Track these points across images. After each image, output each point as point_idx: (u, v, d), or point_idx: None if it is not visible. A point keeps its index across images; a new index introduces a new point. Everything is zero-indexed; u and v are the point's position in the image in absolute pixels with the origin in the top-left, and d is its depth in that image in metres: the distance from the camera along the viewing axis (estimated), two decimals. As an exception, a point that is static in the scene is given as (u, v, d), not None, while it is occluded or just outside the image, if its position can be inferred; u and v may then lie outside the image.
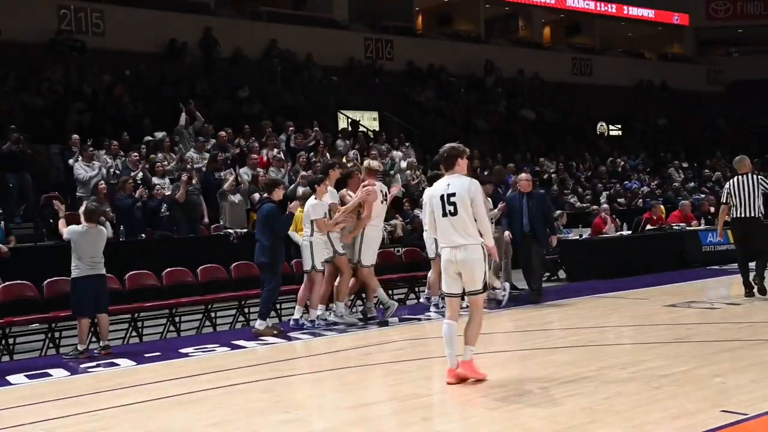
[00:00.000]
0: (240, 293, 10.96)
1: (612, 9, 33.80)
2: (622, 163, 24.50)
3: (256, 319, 9.85)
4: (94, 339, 9.18)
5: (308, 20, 25.29)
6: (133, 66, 19.20)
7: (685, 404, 5.55)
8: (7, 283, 9.86)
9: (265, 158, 15.60)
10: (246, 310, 10.87)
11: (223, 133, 16.08)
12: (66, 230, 8.95)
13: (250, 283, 11.09)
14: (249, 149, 15.84)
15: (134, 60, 19.60)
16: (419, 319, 10.43)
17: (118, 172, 13.94)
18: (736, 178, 11.16)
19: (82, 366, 8.34)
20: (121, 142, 15.01)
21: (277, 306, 11.00)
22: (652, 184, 22.81)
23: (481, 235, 6.49)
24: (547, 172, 20.71)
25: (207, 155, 15.03)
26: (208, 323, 10.66)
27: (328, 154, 16.20)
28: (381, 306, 10.40)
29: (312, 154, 16.44)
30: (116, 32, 20.56)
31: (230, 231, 13.08)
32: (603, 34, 34.53)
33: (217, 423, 5.78)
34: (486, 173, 16.58)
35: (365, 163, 10.84)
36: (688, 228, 16.52)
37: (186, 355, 8.67)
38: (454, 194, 6.45)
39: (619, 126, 30.22)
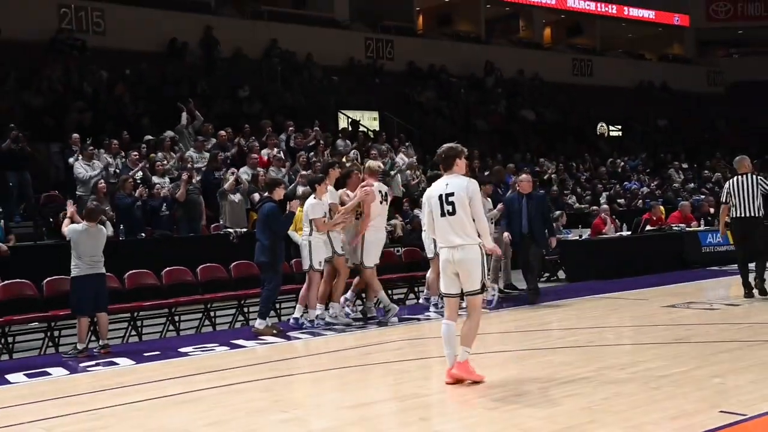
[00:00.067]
0: (239, 293, 10.97)
1: (612, 10, 33.79)
2: (622, 163, 24.50)
3: (255, 319, 9.86)
4: (93, 338, 9.19)
5: (309, 20, 25.28)
6: (133, 65, 19.19)
7: (684, 405, 5.55)
8: (7, 281, 9.86)
9: (265, 158, 15.61)
10: (245, 309, 10.88)
11: (223, 133, 16.10)
12: (67, 229, 8.96)
13: (249, 282, 11.10)
14: (249, 149, 15.84)
15: (135, 59, 19.59)
16: (418, 319, 10.43)
17: (118, 171, 13.94)
18: (735, 177, 11.18)
19: (82, 365, 8.35)
20: (121, 141, 15.02)
21: (277, 305, 11.01)
22: (652, 184, 22.82)
23: (479, 236, 6.49)
24: (547, 173, 20.71)
25: (206, 154, 15.04)
26: (207, 322, 10.66)
27: (327, 154, 16.20)
28: (382, 307, 10.42)
29: (312, 153, 16.45)
30: (117, 31, 20.56)
31: (230, 230, 13.09)
32: (603, 35, 34.52)
33: (216, 422, 5.79)
34: (485, 173, 16.57)
35: (366, 163, 10.86)
36: (687, 229, 16.52)
37: (185, 354, 8.68)
38: (452, 194, 6.45)
39: (619, 127, 30.23)
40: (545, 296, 11.90)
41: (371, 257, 10.12)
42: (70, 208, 9.44)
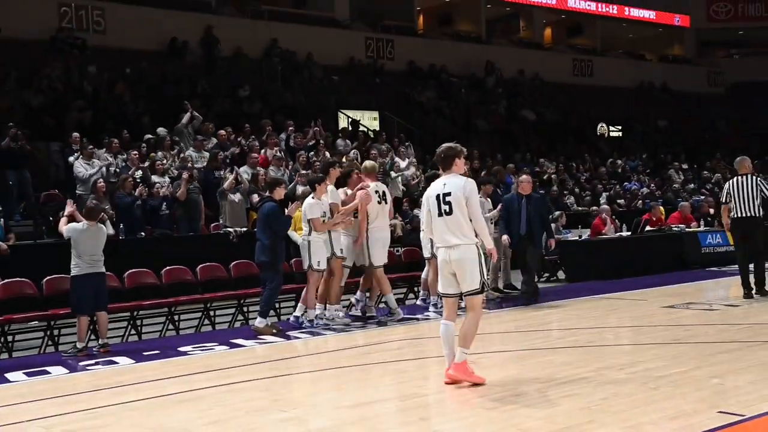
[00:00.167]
0: (239, 292, 10.97)
1: (613, 10, 33.80)
2: (622, 164, 24.50)
3: (255, 318, 9.86)
4: (93, 337, 9.19)
5: (309, 19, 25.29)
6: (134, 64, 19.21)
7: (683, 405, 5.56)
8: (7, 280, 9.86)
9: (265, 157, 15.60)
10: (245, 309, 10.88)
11: (223, 132, 16.09)
12: (66, 228, 8.96)
13: (249, 282, 11.10)
14: (249, 148, 15.85)
15: (135, 58, 19.60)
16: (418, 319, 10.43)
17: (118, 170, 13.94)
18: (735, 178, 11.20)
19: (81, 364, 8.35)
20: (121, 140, 15.02)
21: (276, 305, 11.01)
22: (652, 185, 22.82)
23: (476, 236, 6.47)
24: (547, 173, 20.71)
25: (206, 154, 15.04)
26: (207, 322, 10.66)
27: (327, 153, 16.20)
28: (386, 307, 10.43)
29: (312, 153, 16.45)
30: (117, 30, 20.57)
31: (230, 230, 13.09)
32: (604, 35, 34.53)
33: (216, 421, 5.79)
34: (483, 173, 16.57)
35: (363, 163, 10.87)
36: (687, 229, 16.53)
37: (185, 353, 8.68)
38: (449, 194, 6.43)
39: (620, 127, 30.23)
40: (545, 296, 11.91)
41: (378, 257, 10.15)
42: (69, 208, 9.44)
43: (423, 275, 11.26)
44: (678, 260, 15.54)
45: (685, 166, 25.69)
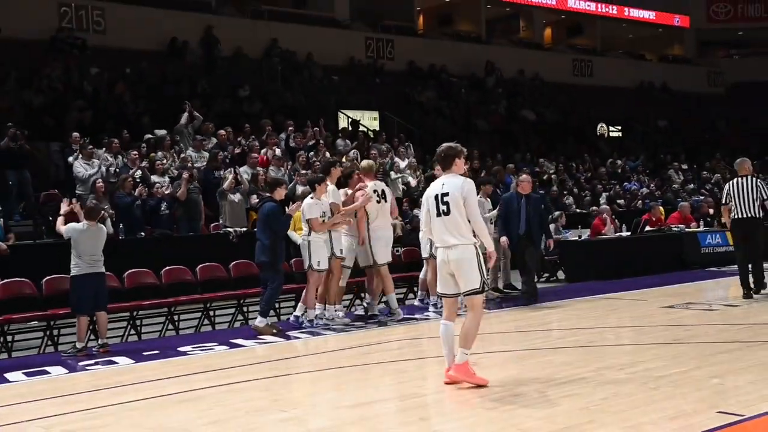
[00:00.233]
0: (239, 292, 10.97)
1: (613, 10, 33.80)
2: (622, 164, 24.50)
3: (254, 318, 9.85)
4: (92, 337, 9.19)
5: (309, 19, 25.29)
6: (134, 64, 19.21)
7: (683, 405, 5.56)
8: (6, 280, 9.86)
9: (265, 157, 15.61)
10: (245, 309, 10.88)
11: (223, 132, 16.10)
12: (66, 228, 8.96)
13: (249, 282, 11.10)
14: (249, 148, 15.85)
15: (135, 58, 19.61)
16: (417, 320, 10.43)
17: (118, 170, 13.94)
18: (736, 179, 11.23)
19: (81, 364, 8.34)
20: (121, 140, 15.02)
21: (276, 305, 11.00)
22: (652, 185, 22.82)
23: (475, 236, 6.46)
24: (547, 173, 20.70)
25: (206, 154, 15.04)
26: (206, 322, 10.66)
27: (327, 153, 16.21)
28: (387, 306, 10.42)
29: (312, 153, 16.45)
30: (117, 30, 20.58)
31: (230, 230, 13.08)
32: (604, 36, 34.54)
33: (216, 421, 5.79)
34: (483, 173, 16.57)
35: (362, 162, 10.88)
36: (687, 229, 16.53)
37: (185, 353, 8.68)
38: (447, 194, 6.42)
39: (620, 127, 30.24)
40: (545, 296, 11.91)
41: (381, 255, 10.20)
42: (65, 207, 9.44)
43: (421, 275, 11.27)
44: (678, 260, 15.54)
45: (684, 167, 25.69)
